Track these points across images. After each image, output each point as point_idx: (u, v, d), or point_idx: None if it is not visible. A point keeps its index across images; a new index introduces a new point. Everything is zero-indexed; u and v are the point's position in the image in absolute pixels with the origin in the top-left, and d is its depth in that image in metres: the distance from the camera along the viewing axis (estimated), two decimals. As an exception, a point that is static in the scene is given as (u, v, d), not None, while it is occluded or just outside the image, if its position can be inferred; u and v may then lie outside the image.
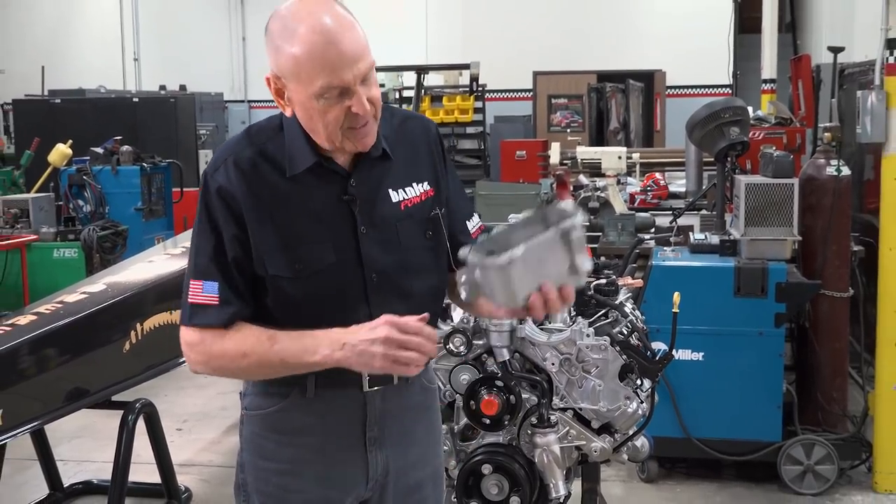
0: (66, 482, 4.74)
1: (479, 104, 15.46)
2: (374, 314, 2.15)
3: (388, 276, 2.21)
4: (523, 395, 3.40)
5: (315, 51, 2.05)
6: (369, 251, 2.21)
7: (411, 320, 2.07)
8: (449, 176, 2.39)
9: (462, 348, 3.47)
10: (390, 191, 2.26)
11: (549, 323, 3.54)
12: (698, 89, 15.68)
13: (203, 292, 2.18)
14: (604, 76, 14.91)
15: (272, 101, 2.22)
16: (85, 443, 6.09)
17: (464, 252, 2.03)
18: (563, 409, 3.47)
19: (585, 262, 2.07)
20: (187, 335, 2.21)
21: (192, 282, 2.21)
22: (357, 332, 2.09)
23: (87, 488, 5.01)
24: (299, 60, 2.07)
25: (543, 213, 2.10)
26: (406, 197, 2.27)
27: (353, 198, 2.21)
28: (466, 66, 14.57)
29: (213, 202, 2.18)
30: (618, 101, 13.94)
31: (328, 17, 2.07)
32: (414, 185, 2.29)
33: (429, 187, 2.31)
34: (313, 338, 2.12)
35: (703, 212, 6.51)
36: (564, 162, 9.20)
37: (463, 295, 2.08)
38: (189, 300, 2.20)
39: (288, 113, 2.18)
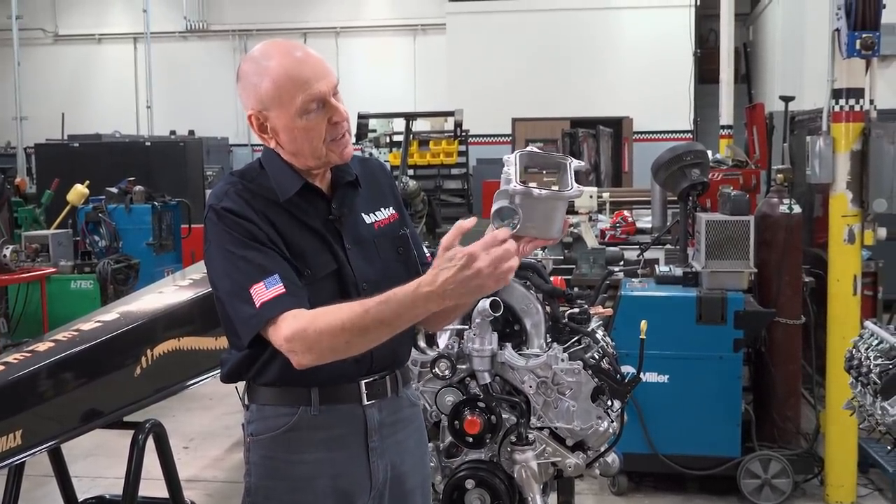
0: (81, 497, 4.67)
1: (462, 148, 15.54)
2: None
3: (375, 287, 2.17)
4: (503, 416, 3.40)
5: (291, 72, 2.14)
6: (357, 264, 2.26)
7: (487, 239, 1.90)
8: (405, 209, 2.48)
9: (447, 372, 3.46)
10: (363, 214, 2.33)
11: (527, 349, 3.53)
12: (662, 134, 15.77)
13: (267, 289, 2.09)
14: (576, 122, 14.97)
15: None
16: (98, 460, 6.03)
17: (507, 181, 1.97)
18: (540, 428, 3.46)
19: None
20: (278, 334, 2.08)
21: (252, 287, 2.10)
22: (448, 276, 1.89)
23: (100, 503, 4.95)
24: (278, 84, 2.15)
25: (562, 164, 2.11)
26: (377, 219, 2.35)
27: (338, 217, 2.27)
28: (451, 113, 14.60)
29: (231, 220, 2.17)
30: (589, 145, 13.98)
31: (294, 48, 2.20)
32: (382, 209, 2.37)
33: (394, 211, 2.40)
34: (406, 296, 1.95)
35: (668, 246, 6.51)
36: (541, 200, 9.18)
37: (494, 222, 1.96)
38: (258, 303, 2.09)
39: (272, 144, 2.24)
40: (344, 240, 2.26)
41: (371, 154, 13.75)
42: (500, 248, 1.89)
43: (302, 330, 2.04)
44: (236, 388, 2.37)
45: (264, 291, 2.09)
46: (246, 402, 2.33)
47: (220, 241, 2.18)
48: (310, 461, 2.26)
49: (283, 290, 2.09)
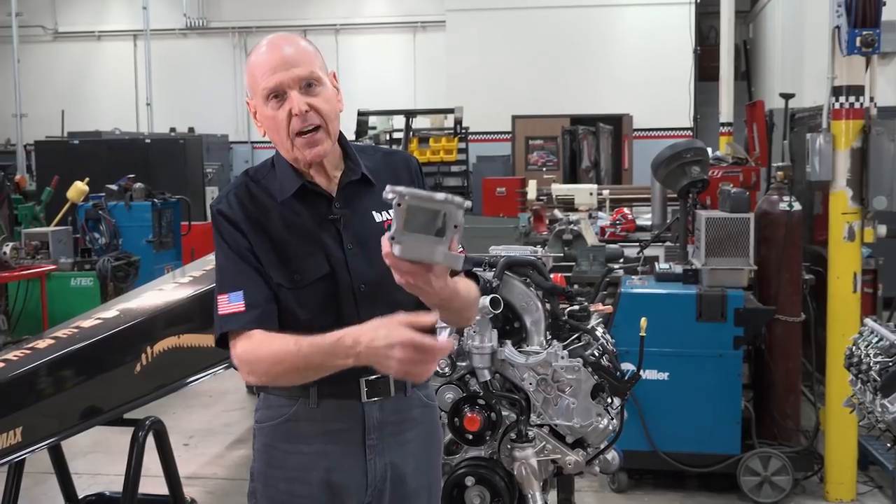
0: (81, 494, 4.69)
1: (462, 145, 15.52)
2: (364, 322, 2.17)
3: (375, 288, 2.23)
4: (503, 413, 3.40)
5: (259, 60, 2.21)
6: (356, 265, 2.25)
7: (427, 339, 1.97)
8: None
9: (447, 369, 3.46)
10: (374, 212, 2.31)
11: (527, 346, 3.53)
12: (662, 132, 15.76)
13: (229, 303, 2.20)
14: (576, 119, 14.97)
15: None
16: (98, 457, 6.03)
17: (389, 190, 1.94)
18: (540, 426, 3.46)
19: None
20: (233, 350, 2.21)
21: (218, 297, 2.22)
22: (375, 337, 1.99)
23: (100, 500, 4.94)
24: (251, 71, 2.23)
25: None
26: (389, 217, 2.27)
27: (338, 217, 2.27)
28: (451, 111, 14.60)
29: (221, 225, 2.25)
30: (589, 143, 13.99)
31: (283, 39, 2.24)
32: None
33: None
34: (333, 345, 2.05)
35: (668, 244, 6.52)
36: (540, 198, 9.22)
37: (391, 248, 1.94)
38: (219, 313, 2.21)
39: (261, 133, 2.29)
40: (344, 240, 2.26)
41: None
42: (421, 354, 1.96)
43: (246, 352, 2.17)
44: None
45: (226, 304, 2.20)
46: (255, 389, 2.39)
47: (214, 240, 2.29)
48: (306, 452, 2.28)
49: (243, 308, 2.18)
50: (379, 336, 1.99)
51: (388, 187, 1.94)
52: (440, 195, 1.94)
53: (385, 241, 1.94)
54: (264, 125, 2.25)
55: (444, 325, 2.48)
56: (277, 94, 2.19)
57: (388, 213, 2.29)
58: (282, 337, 2.15)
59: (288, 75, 2.18)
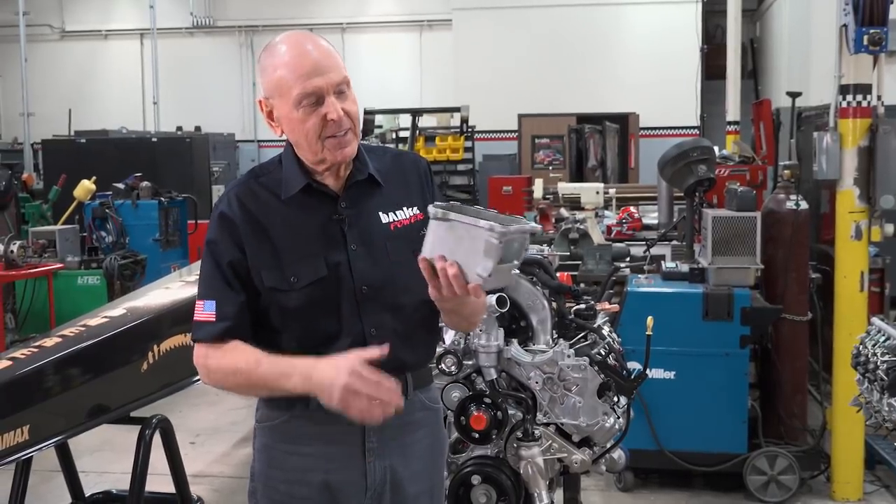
0: (88, 492, 4.70)
1: (468, 144, 15.52)
2: (366, 325, 2.21)
3: (378, 290, 2.22)
4: (509, 412, 3.40)
5: (291, 63, 2.17)
6: (359, 266, 2.23)
7: (373, 374, 2.05)
8: None
9: (453, 368, 3.46)
10: (381, 213, 2.29)
11: (533, 345, 3.53)
12: (669, 130, 15.74)
13: (203, 311, 2.23)
14: (583, 118, 14.95)
15: (279, 140, 2.26)
16: (105, 455, 6.04)
17: (433, 208, 2.04)
18: (546, 424, 3.46)
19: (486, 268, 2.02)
20: (195, 351, 2.27)
21: (196, 302, 2.26)
22: (325, 369, 2.08)
23: (107, 498, 4.95)
24: (280, 74, 2.18)
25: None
26: (396, 219, 2.30)
27: (343, 217, 2.25)
28: (457, 109, 14.59)
29: (217, 229, 2.25)
30: (595, 141, 13.97)
31: (306, 39, 2.22)
32: (404, 209, 2.32)
33: (418, 212, 2.33)
34: (290, 366, 2.14)
35: (674, 242, 6.51)
36: (547, 197, 9.21)
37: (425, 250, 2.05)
38: (194, 318, 2.26)
39: (277, 133, 2.26)
40: (348, 240, 2.24)
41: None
42: (367, 386, 2.04)
43: (209, 359, 2.23)
44: None
45: (201, 312, 2.25)
46: None
47: (205, 242, 2.30)
48: (305, 454, 2.27)
49: (213, 318, 2.22)
50: (329, 369, 2.08)
51: (487, 226, 1.99)
52: (519, 225, 2.05)
53: (475, 281, 2.01)
54: (286, 126, 2.22)
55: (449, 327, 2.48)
56: (314, 99, 2.16)
57: (394, 214, 2.29)
58: (249, 350, 2.20)
59: (325, 80, 2.16)
